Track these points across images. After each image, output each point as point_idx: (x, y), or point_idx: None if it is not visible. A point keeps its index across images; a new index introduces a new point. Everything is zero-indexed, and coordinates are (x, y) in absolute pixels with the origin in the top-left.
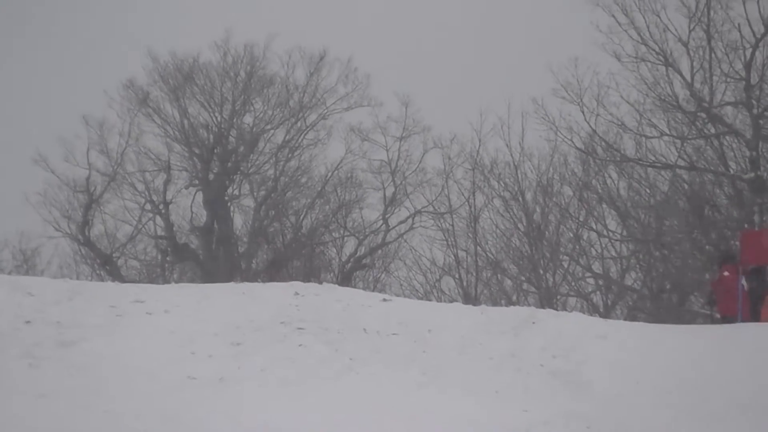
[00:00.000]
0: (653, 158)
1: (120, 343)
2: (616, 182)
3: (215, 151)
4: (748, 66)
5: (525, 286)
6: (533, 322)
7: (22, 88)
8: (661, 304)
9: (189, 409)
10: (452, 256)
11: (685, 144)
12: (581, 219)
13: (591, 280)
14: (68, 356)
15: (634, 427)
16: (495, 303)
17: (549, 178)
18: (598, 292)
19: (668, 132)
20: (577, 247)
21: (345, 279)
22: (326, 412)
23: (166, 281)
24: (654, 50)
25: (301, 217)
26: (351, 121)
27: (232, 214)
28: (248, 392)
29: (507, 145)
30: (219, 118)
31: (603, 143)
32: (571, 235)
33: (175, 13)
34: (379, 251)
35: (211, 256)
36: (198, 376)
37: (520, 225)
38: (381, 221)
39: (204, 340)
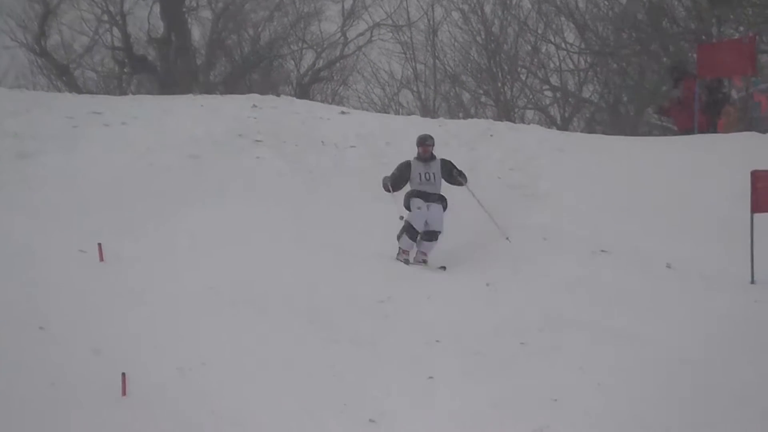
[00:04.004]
0: None
1: (77, 155)
2: None
3: None
4: None
5: (483, 99)
6: (491, 135)
7: None
8: (618, 116)
9: (144, 220)
10: (411, 69)
11: None
12: (539, 32)
13: (549, 93)
14: (26, 169)
15: (589, 238)
16: (453, 116)
17: None
18: (555, 105)
19: None
20: (535, 60)
21: (303, 92)
22: (285, 226)
23: (124, 93)
24: None
25: (260, 30)
26: None
27: (189, 25)
28: (207, 205)
29: None
30: None
31: None
32: (530, 47)
33: None
34: (338, 64)
35: (169, 68)
36: (155, 188)
37: (478, 38)
38: (339, 34)
39: (162, 153)
